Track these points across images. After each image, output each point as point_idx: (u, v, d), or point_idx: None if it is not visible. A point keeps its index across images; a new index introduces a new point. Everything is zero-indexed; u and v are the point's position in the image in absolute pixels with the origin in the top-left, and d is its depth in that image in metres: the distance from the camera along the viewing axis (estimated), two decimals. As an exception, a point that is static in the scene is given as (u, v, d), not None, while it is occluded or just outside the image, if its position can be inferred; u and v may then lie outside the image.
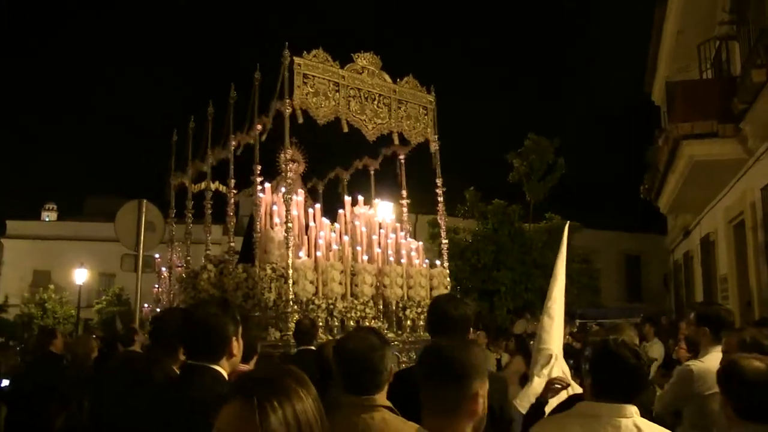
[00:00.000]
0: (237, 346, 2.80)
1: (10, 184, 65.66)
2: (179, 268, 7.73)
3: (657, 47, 17.04)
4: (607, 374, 2.84)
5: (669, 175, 13.23)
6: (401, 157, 8.30)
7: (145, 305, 9.18)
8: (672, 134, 11.74)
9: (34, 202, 44.98)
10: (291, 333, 5.78)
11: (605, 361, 2.87)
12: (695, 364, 4.22)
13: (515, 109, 48.78)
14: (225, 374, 2.74)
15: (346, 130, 6.92)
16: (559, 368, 4.89)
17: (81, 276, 30.62)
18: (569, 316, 18.58)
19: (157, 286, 8.09)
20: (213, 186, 7.86)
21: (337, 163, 9.19)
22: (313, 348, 5.12)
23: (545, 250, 20.40)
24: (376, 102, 7.24)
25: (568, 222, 5.80)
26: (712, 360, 3.92)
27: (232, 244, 6.97)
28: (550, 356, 4.95)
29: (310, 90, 6.62)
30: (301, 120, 6.45)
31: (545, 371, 4.84)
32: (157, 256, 8.48)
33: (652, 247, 28.73)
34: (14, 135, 64.18)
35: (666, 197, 14.70)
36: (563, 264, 5.58)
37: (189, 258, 7.66)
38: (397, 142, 7.56)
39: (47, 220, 43.80)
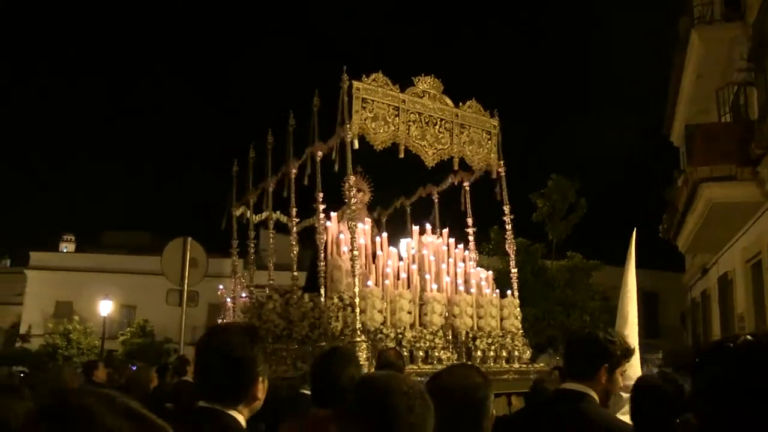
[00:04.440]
0: (262, 388, 2.33)
1: (28, 214, 66.25)
2: (243, 299, 7.76)
3: (677, 90, 17.32)
4: (647, 407, 2.70)
5: (688, 216, 13.53)
6: (466, 184, 8.08)
7: None
8: (691, 177, 12.05)
9: (51, 233, 45.29)
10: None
11: (643, 396, 2.76)
12: None
13: (537, 150, 49.03)
14: (243, 422, 2.27)
15: (402, 156, 6.75)
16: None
17: (106, 307, 30.66)
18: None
19: (222, 317, 8.37)
20: (274, 216, 7.80)
21: (399, 191, 8.93)
22: None
23: (567, 287, 20.81)
24: (437, 127, 7.01)
25: (635, 229, 5.56)
26: None
27: (295, 275, 7.04)
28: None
29: (369, 115, 6.42)
30: (357, 146, 6.28)
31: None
32: (221, 287, 8.83)
33: (670, 285, 28.90)
34: (34, 164, 64.28)
35: (684, 237, 14.97)
36: (633, 286, 5.17)
37: (253, 288, 7.63)
38: (456, 167, 7.38)
39: (65, 251, 44.27)
